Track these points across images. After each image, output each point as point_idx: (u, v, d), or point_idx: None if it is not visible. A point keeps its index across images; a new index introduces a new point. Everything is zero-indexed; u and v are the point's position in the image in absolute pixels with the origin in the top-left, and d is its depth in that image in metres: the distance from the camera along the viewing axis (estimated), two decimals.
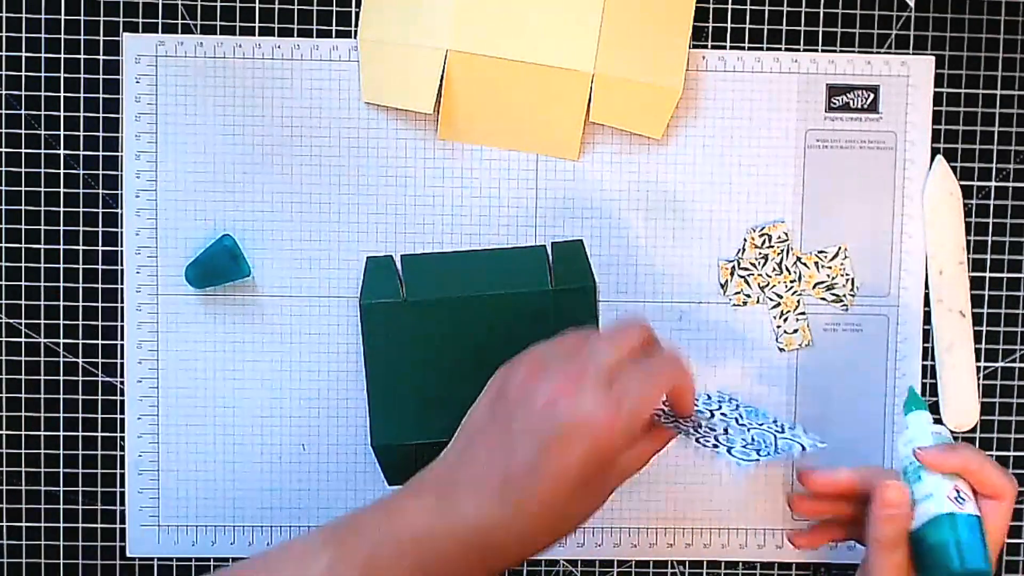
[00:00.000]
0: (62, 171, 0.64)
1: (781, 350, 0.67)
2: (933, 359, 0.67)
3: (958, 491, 0.55)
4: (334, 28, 0.65)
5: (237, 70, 0.65)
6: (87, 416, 0.65)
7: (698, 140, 0.66)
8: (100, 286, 0.65)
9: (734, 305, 0.66)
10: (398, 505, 0.52)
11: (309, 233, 0.65)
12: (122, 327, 0.65)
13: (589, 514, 0.53)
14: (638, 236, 0.66)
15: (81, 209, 0.65)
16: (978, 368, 0.67)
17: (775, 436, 0.56)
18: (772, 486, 0.67)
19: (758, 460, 0.54)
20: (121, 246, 0.65)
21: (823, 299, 0.66)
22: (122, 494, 0.66)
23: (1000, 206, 0.67)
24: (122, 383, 0.65)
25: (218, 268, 0.64)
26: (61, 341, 0.65)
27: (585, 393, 0.50)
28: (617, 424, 0.49)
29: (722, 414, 0.59)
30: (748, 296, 0.66)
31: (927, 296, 0.67)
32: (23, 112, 0.64)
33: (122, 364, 0.65)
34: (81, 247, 0.65)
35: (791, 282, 0.66)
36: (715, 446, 0.54)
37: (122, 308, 0.65)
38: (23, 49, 0.64)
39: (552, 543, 0.52)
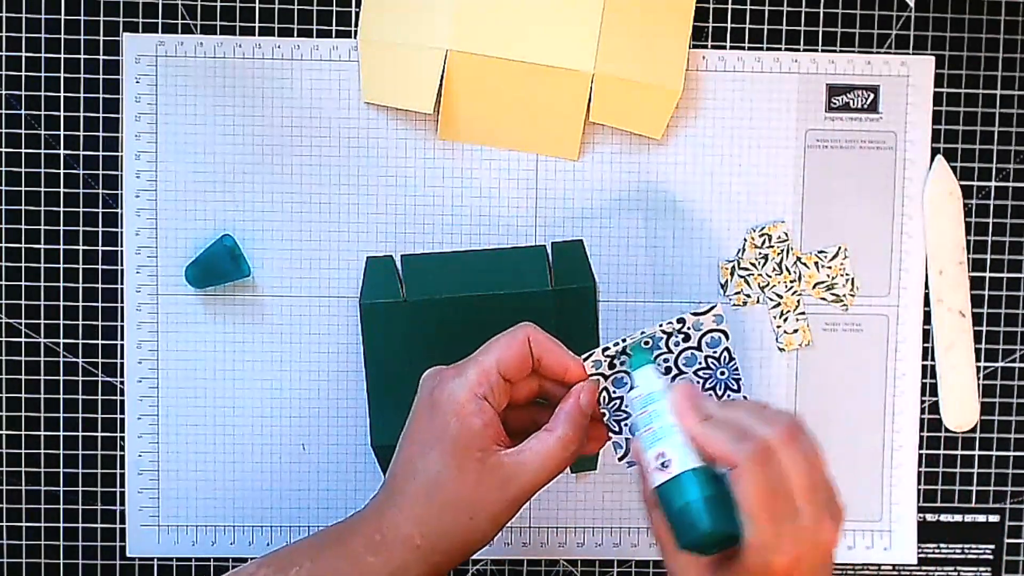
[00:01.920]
0: (62, 171, 0.64)
1: (781, 350, 0.67)
2: (933, 359, 0.67)
3: (661, 455, 0.51)
4: (334, 28, 0.65)
5: (237, 70, 0.65)
6: (87, 416, 0.65)
7: (698, 140, 0.66)
8: (100, 286, 0.65)
9: (734, 305, 0.66)
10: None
11: (309, 233, 0.65)
12: (122, 327, 0.65)
13: (478, 497, 0.52)
14: (638, 236, 0.66)
15: (81, 209, 0.65)
16: (978, 368, 0.67)
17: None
18: None
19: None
20: (121, 246, 0.65)
21: (823, 299, 0.66)
22: (122, 494, 0.66)
23: (1000, 206, 0.67)
24: (122, 383, 0.65)
25: (218, 268, 0.64)
26: (61, 341, 0.65)
27: (441, 369, 0.55)
28: (454, 382, 0.53)
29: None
30: (748, 296, 0.66)
31: (927, 296, 0.67)
32: (23, 112, 0.64)
33: (122, 364, 0.65)
34: (81, 247, 0.65)
35: (791, 282, 0.66)
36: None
37: (122, 308, 0.65)
38: (23, 49, 0.64)
39: (452, 534, 0.53)
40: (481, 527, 0.53)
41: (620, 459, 0.57)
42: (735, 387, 0.57)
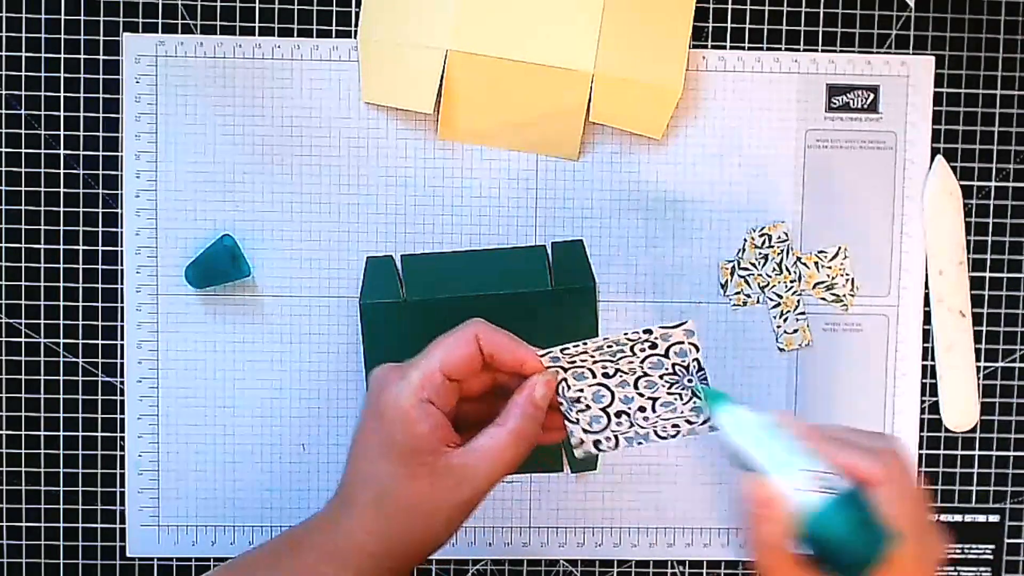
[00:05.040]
0: (62, 171, 0.64)
1: (781, 350, 0.67)
2: (933, 359, 0.67)
3: (804, 483, 0.49)
4: (334, 28, 0.65)
5: (237, 70, 0.65)
6: (87, 416, 0.65)
7: (698, 140, 0.66)
8: (100, 286, 0.65)
9: (734, 305, 0.66)
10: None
11: (309, 233, 0.65)
12: (122, 327, 0.65)
13: (431, 502, 0.51)
14: (638, 236, 0.66)
15: (81, 209, 0.65)
16: (978, 368, 0.67)
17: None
18: None
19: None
20: (121, 246, 0.65)
21: (823, 299, 0.66)
22: (122, 494, 0.66)
23: (1000, 206, 0.67)
24: (122, 383, 0.65)
25: (218, 268, 0.64)
26: (61, 341, 0.65)
27: (388, 370, 0.53)
28: (397, 386, 0.52)
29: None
30: (748, 296, 0.66)
31: (927, 296, 0.67)
32: (23, 112, 0.64)
33: (122, 364, 0.65)
34: (81, 247, 0.65)
35: (791, 282, 0.66)
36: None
37: (122, 308, 0.65)
38: (23, 49, 0.64)
39: (406, 540, 0.52)
40: (436, 530, 0.52)
41: (575, 447, 0.56)
42: (702, 396, 0.55)
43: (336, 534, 0.52)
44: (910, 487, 0.49)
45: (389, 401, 0.52)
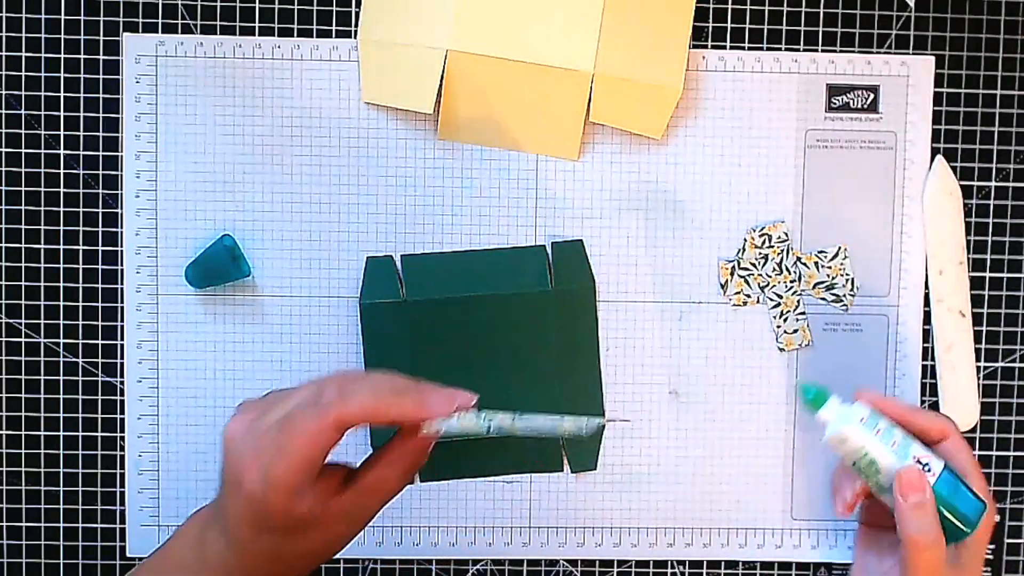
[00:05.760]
0: (62, 171, 0.64)
1: (781, 350, 0.67)
2: (933, 359, 0.67)
3: (918, 461, 0.55)
4: (334, 28, 0.65)
5: (237, 70, 0.65)
6: (87, 416, 0.65)
7: (698, 140, 0.66)
8: (100, 286, 0.65)
9: (734, 305, 0.66)
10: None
11: (309, 233, 0.65)
12: (122, 327, 0.65)
13: (325, 543, 0.51)
14: (638, 236, 0.66)
15: (81, 209, 0.65)
16: (978, 368, 0.67)
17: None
18: (773, 487, 0.67)
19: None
20: (121, 246, 0.65)
21: (823, 299, 0.66)
22: (122, 494, 0.66)
23: (1000, 206, 0.67)
24: (122, 383, 0.65)
25: (218, 268, 0.64)
26: (61, 341, 0.65)
27: (242, 443, 0.49)
28: (262, 479, 0.48)
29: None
30: (748, 296, 0.66)
31: (927, 296, 0.67)
32: (23, 112, 0.64)
33: (122, 364, 0.65)
34: (81, 247, 0.65)
35: (791, 282, 0.66)
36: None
37: (122, 308, 0.65)
38: (23, 49, 0.64)
39: (308, 567, 0.52)
40: (331, 555, 0.52)
41: (487, 432, 0.52)
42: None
43: (231, 558, 0.51)
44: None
45: (255, 494, 0.48)
